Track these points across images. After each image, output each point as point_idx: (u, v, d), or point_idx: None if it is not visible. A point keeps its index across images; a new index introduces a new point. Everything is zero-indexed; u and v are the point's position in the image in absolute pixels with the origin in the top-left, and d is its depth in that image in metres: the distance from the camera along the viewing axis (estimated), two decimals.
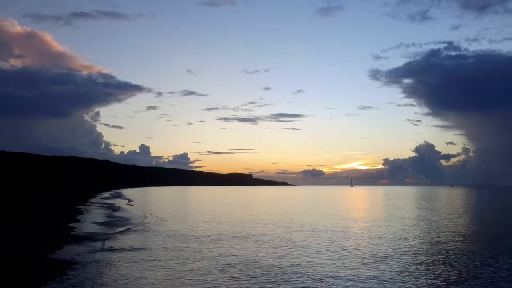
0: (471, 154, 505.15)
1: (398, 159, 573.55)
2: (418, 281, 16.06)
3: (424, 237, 28.23)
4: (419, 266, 18.69)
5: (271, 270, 17.94)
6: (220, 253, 21.86)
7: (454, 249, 23.18)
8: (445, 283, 15.74)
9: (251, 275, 17.06)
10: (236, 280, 16.20)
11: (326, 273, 17.39)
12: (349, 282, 15.86)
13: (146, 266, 18.73)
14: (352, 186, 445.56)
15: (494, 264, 19.20)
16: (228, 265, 18.88)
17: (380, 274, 17.11)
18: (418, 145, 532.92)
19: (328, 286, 15.39)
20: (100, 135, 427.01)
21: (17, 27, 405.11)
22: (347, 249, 23.08)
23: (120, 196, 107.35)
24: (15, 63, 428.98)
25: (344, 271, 17.61)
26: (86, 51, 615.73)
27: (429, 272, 17.64)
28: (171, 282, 15.92)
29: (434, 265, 19.04)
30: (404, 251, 22.51)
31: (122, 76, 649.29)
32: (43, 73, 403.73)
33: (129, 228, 33.11)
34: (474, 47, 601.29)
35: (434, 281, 16.01)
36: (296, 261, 19.74)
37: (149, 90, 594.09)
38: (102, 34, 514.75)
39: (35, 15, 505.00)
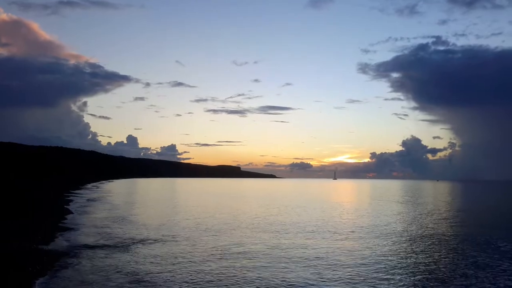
0: (457, 148, 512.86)
1: (385, 152, 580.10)
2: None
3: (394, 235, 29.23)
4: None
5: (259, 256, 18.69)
6: (209, 245, 22.53)
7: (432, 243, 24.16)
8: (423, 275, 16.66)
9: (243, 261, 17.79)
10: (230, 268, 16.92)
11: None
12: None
13: (132, 254, 19.31)
14: (336, 179, 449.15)
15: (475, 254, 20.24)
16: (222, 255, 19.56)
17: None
18: (405, 139, 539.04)
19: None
20: (87, 126, 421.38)
21: (2, 14, 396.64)
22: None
23: (106, 191, 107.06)
24: (1, 51, 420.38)
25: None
26: (73, 40, 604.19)
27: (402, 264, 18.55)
28: (159, 268, 16.56)
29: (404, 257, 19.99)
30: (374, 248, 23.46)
31: (110, 66, 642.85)
32: (29, 62, 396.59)
33: (113, 221, 33.57)
34: (462, 42, 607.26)
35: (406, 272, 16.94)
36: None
37: (137, 81, 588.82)
38: (90, 24, 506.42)
39: (22, 3, 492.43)
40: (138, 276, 16.09)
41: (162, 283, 15.31)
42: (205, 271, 17.01)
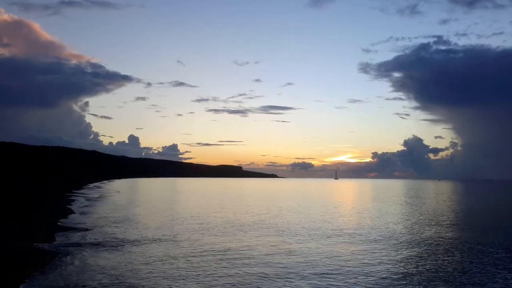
0: (459, 148, 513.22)
1: (386, 152, 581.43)
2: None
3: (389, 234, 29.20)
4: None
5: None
6: (207, 244, 22.50)
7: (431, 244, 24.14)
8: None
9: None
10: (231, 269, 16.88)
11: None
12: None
13: (127, 254, 19.30)
14: (337, 179, 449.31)
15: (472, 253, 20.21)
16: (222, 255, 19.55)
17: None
18: (406, 138, 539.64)
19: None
20: (88, 126, 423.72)
21: (4, 15, 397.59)
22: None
23: (108, 191, 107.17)
24: (2, 52, 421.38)
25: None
26: (74, 41, 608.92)
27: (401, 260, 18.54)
28: (151, 268, 16.55)
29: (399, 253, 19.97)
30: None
31: (111, 66, 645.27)
32: (31, 62, 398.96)
33: (114, 221, 33.59)
34: (463, 42, 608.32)
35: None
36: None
37: (138, 81, 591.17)
38: (91, 24, 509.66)
39: (22, 4, 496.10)
40: (123, 278, 15.96)
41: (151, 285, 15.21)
42: (201, 275, 16.81)
